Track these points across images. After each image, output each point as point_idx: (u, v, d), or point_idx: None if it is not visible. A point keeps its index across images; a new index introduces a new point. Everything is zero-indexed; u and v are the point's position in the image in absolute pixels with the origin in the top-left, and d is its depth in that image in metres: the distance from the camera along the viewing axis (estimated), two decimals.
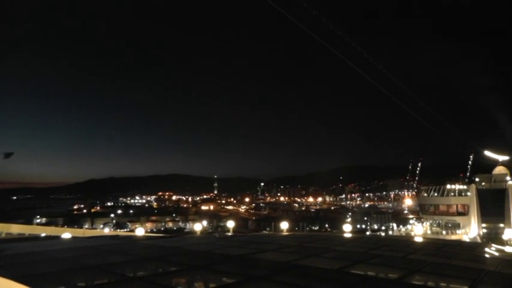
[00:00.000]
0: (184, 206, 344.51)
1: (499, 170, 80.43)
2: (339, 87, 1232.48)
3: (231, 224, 29.27)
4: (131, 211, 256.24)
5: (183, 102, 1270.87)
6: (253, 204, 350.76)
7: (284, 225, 31.48)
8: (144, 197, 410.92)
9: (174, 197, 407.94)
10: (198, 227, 27.36)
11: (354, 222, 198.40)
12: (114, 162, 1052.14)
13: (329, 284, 10.66)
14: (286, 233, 29.61)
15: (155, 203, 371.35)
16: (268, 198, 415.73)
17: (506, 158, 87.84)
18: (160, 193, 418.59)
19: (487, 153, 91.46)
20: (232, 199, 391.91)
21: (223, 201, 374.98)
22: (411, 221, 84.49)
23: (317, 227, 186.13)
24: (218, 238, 23.48)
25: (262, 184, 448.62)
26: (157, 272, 12.53)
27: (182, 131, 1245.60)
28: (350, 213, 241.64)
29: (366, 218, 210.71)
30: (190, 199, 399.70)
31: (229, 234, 27.02)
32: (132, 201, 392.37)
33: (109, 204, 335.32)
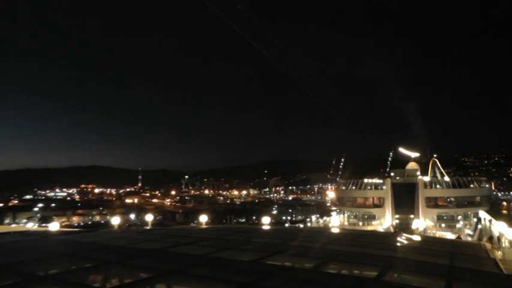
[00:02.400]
0: (108, 199, 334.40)
1: (411, 165, 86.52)
2: (263, 84, 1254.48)
3: (149, 217, 28.51)
4: (53, 204, 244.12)
5: (105, 91, 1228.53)
6: (178, 197, 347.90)
7: (203, 218, 31.38)
8: (64, 189, 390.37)
9: (96, 190, 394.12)
10: (116, 221, 26.26)
11: (279, 214, 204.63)
12: (30, 153, 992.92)
13: (245, 275, 10.70)
14: (206, 226, 29.55)
15: (77, 196, 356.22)
16: (192, 191, 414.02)
17: (417, 154, 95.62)
18: (82, 185, 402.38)
19: (402, 150, 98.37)
20: (157, 192, 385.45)
21: (148, 194, 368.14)
22: (333, 213, 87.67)
23: (244, 219, 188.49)
24: (136, 232, 22.84)
25: (186, 177, 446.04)
26: (70, 269, 11.88)
27: (104, 120, 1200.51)
28: (276, 206, 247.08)
29: (290, 210, 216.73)
30: (114, 192, 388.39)
31: (148, 227, 26.43)
32: (52, 194, 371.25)
33: (28, 197, 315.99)
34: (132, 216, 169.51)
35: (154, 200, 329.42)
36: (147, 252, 14.06)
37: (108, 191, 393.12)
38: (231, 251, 14.34)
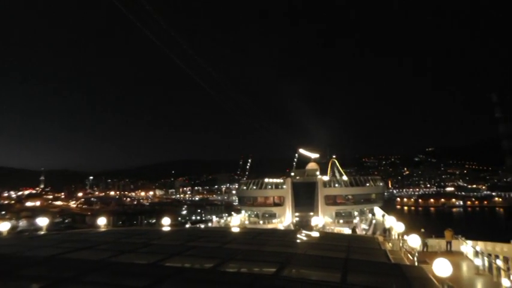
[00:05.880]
0: (5, 202, 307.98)
1: (311, 165, 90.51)
2: (168, 84, 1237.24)
3: (44, 221, 26.59)
4: None
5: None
6: (83, 199, 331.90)
7: (101, 221, 30.25)
8: None
9: None
10: (5, 226, 23.88)
11: (189, 214, 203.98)
12: None
13: (141, 279, 10.49)
14: (105, 229, 28.46)
15: None
16: (97, 192, 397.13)
17: (317, 155, 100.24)
18: None
19: (302, 151, 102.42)
20: (61, 194, 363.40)
21: (51, 196, 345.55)
22: (242, 212, 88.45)
23: (154, 220, 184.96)
24: (28, 238, 21.23)
25: (91, 178, 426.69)
26: None
27: None
28: (185, 206, 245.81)
29: (199, 210, 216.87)
30: (13, 194, 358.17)
31: (42, 233, 24.76)
32: None
33: None
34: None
35: (59, 203, 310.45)
36: (38, 260, 13.13)
37: (6, 194, 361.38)
38: (129, 255, 14.01)
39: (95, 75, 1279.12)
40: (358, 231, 56.92)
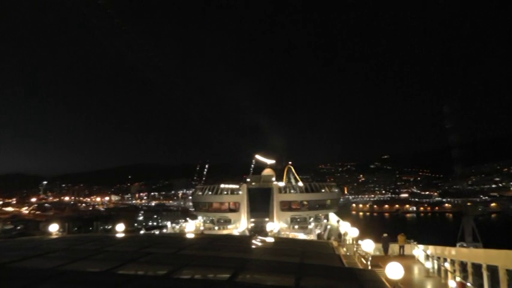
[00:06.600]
0: None
1: (267, 171, 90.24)
2: (123, 87, 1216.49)
3: None
4: None
5: None
6: (36, 205, 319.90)
7: (53, 227, 29.33)
8: None
9: None
10: None
11: (146, 220, 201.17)
12: None
13: (95, 287, 10.45)
14: (57, 236, 27.61)
15: None
16: (51, 197, 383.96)
17: (273, 161, 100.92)
18: None
19: (258, 157, 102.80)
20: (12, 199, 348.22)
21: (1, 202, 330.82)
22: (198, 218, 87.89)
23: (110, 226, 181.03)
24: None
25: (44, 183, 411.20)
26: None
27: None
28: (142, 212, 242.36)
29: (155, 216, 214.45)
30: None
31: None
32: None
33: None
34: None
35: (9, 209, 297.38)
36: None
37: None
38: (82, 262, 13.72)
39: (48, 77, 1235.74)
40: (312, 237, 57.79)
